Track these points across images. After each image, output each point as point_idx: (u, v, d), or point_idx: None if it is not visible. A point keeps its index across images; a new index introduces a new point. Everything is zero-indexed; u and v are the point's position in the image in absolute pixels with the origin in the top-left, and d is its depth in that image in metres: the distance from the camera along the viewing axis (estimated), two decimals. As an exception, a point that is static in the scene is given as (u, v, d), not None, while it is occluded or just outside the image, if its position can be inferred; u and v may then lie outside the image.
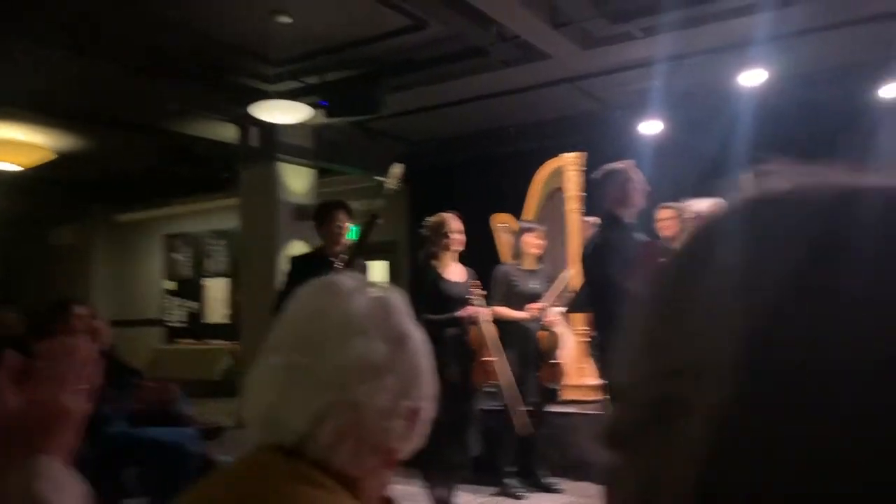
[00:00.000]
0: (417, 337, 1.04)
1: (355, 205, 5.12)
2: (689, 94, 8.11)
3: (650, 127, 8.56)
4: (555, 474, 5.10)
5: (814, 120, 8.09)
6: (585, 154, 5.88)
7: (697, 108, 8.22)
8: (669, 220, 5.26)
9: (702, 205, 4.09)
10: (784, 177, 0.41)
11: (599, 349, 3.55)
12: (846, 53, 7.26)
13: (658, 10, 6.16)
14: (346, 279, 1.07)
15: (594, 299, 3.39)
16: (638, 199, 3.55)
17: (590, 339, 4.97)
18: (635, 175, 3.55)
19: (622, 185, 3.53)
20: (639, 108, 8.25)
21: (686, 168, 9.06)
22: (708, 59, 7.32)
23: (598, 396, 4.28)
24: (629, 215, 3.57)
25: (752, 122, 8.01)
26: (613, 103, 8.54)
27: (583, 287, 3.89)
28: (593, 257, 3.41)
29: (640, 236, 3.62)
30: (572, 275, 5.01)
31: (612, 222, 3.53)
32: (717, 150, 7.76)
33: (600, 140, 7.84)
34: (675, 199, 5.90)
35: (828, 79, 7.76)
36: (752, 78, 7.17)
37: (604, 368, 3.50)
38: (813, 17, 6.37)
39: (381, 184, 4.69)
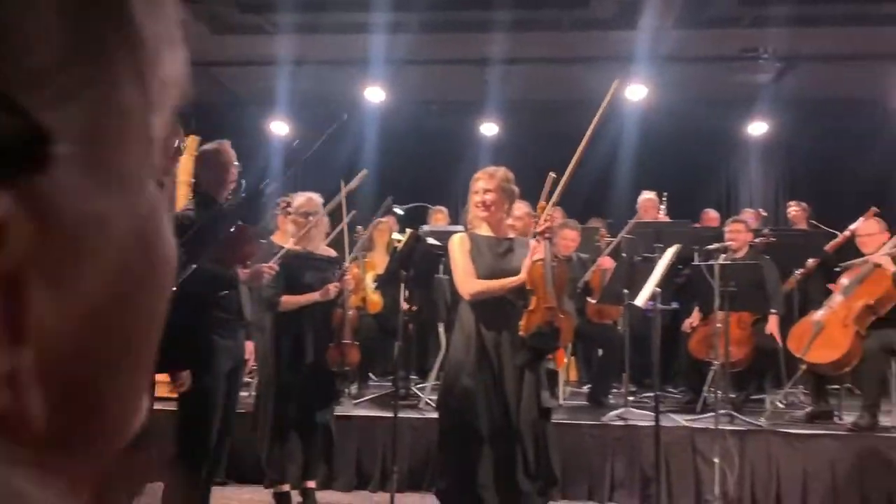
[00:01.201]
0: None
1: None
2: (319, 100, 8.35)
3: (278, 127, 8.63)
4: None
5: (426, 145, 8.95)
6: (199, 139, 5.62)
7: (325, 115, 8.48)
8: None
9: (300, 199, 4.20)
10: None
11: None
12: (454, 88, 8.10)
13: (287, 7, 6.21)
14: None
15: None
16: (228, 179, 3.49)
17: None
18: (229, 156, 3.48)
19: (217, 165, 3.44)
20: (269, 106, 8.26)
21: (308, 169, 9.31)
22: (337, 69, 7.62)
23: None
24: (223, 196, 3.49)
25: (374, 137, 8.56)
26: (244, 96, 8.43)
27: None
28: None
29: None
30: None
31: (206, 203, 3.41)
32: (341, 158, 8.11)
33: (228, 132, 7.64)
34: (286, 194, 5.99)
35: (441, 110, 8.61)
36: (374, 95, 7.62)
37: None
38: (419, 50, 7.00)
39: None
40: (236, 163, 3.52)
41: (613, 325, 5.65)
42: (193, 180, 5.23)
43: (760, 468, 4.48)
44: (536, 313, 4.34)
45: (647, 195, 6.83)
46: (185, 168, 5.71)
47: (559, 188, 3.57)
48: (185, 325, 3.29)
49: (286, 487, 4.04)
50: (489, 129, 8.56)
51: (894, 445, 4.44)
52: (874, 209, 5.59)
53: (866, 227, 5.20)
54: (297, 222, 4.11)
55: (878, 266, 4.87)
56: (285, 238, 5.05)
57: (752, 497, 4.45)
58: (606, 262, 5.67)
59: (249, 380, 5.22)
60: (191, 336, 3.15)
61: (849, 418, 4.80)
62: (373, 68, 7.21)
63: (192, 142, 5.67)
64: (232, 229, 3.41)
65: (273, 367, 3.96)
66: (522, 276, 3.22)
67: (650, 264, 4.67)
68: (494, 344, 3.13)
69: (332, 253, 4.30)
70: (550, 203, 3.56)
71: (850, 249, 5.54)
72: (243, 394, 5.38)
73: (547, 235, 3.76)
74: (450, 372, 3.21)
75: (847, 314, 4.82)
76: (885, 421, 4.75)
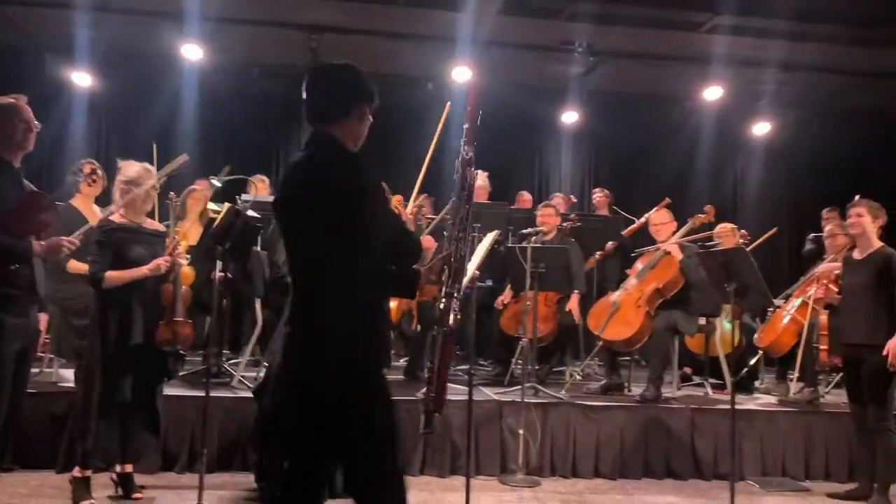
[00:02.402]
0: None
1: None
2: (128, 53, 7.74)
3: (81, 78, 7.91)
4: None
5: (248, 109, 8.58)
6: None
7: (135, 69, 7.89)
8: None
9: (133, 168, 3.84)
10: None
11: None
12: (279, 53, 7.82)
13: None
14: None
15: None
16: (26, 139, 3.13)
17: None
18: (25, 114, 3.12)
19: (7, 123, 3.07)
20: (70, 54, 7.54)
21: (114, 126, 8.66)
22: (149, 21, 7.09)
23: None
24: (18, 159, 3.13)
25: (192, 98, 8.08)
26: (42, 41, 7.62)
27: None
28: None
29: (28, 185, 3.20)
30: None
31: (-1, 166, 3.04)
32: (154, 118, 7.60)
33: (22, 78, 6.91)
34: (97, 156, 5.51)
35: (264, 74, 8.27)
36: (191, 52, 7.18)
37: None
38: (241, 8, 6.69)
39: None
40: (37, 123, 3.17)
41: (432, 302, 5.79)
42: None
43: (560, 438, 4.82)
44: (402, 304, 4.39)
45: (479, 179, 7.01)
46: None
47: (416, 187, 3.66)
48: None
49: (88, 473, 3.78)
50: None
51: (673, 415, 4.96)
52: (667, 200, 6.13)
53: (658, 217, 5.69)
54: (130, 194, 3.77)
55: (667, 253, 5.37)
56: (87, 206, 4.65)
57: (551, 465, 4.78)
58: (427, 242, 5.78)
59: (42, 354, 4.81)
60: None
61: (637, 390, 5.29)
62: (189, 24, 6.78)
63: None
64: (25, 195, 3.09)
65: (98, 347, 3.66)
66: None
67: (470, 244, 4.81)
68: None
69: (161, 227, 4.03)
70: (411, 201, 3.61)
71: (647, 235, 6.06)
72: (34, 370, 4.96)
73: None
74: None
75: (640, 296, 5.28)
76: (666, 392, 5.29)
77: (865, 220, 4.38)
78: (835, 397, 5.59)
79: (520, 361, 5.27)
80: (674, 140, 8.93)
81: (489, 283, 6.61)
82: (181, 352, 4.26)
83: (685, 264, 5.21)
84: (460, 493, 3.88)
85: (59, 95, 7.86)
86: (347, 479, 2.25)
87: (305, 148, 2.29)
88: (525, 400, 4.66)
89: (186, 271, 5.29)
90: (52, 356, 4.92)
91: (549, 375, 5.87)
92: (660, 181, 8.66)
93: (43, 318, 3.63)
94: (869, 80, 8.01)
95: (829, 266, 5.10)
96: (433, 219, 6.21)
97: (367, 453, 2.18)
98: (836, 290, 4.58)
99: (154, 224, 3.99)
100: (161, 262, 3.73)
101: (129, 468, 3.86)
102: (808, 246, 6.94)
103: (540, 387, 5.17)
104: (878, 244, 4.37)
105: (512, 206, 7.27)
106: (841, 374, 5.19)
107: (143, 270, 3.67)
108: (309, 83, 2.30)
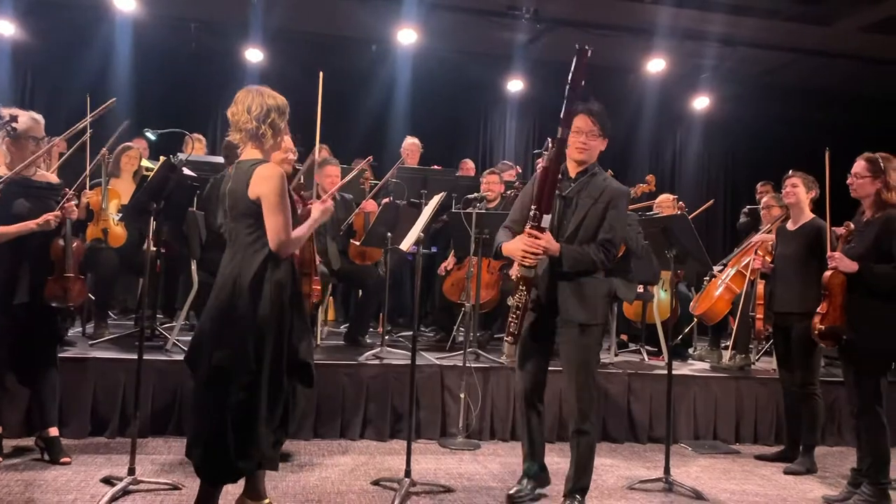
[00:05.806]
0: None
1: None
2: (55, 2, 7.35)
3: (4, 27, 7.48)
4: None
5: (184, 65, 8.27)
6: None
7: (62, 20, 7.50)
8: None
9: (21, 118, 3.61)
10: None
11: None
12: (217, 8, 7.54)
13: None
14: None
15: None
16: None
17: None
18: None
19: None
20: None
21: (40, 79, 8.25)
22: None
23: None
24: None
25: (126, 52, 7.75)
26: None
27: None
28: None
29: None
30: None
31: None
32: (87, 72, 7.27)
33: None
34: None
35: (202, 30, 7.98)
36: (124, 4, 6.85)
37: None
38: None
39: None
40: None
41: (374, 267, 5.72)
42: None
43: (500, 402, 4.84)
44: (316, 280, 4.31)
45: (411, 140, 6.95)
46: None
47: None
48: None
49: None
50: (254, 55, 8.11)
51: (611, 380, 5.03)
52: (609, 173, 6.13)
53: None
54: (19, 146, 3.56)
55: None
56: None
57: (490, 428, 4.81)
58: (370, 206, 5.69)
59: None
60: None
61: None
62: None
63: None
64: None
65: None
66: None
67: (415, 209, 4.76)
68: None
69: (54, 179, 3.80)
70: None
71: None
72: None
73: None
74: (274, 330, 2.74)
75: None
76: (604, 358, 5.35)
77: (800, 190, 4.49)
78: (764, 364, 5.78)
79: (461, 328, 5.25)
80: (617, 111, 8.98)
81: (434, 249, 6.58)
82: (72, 308, 4.10)
83: (626, 232, 5.26)
84: (401, 456, 3.86)
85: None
86: None
87: None
88: (467, 364, 4.66)
89: (117, 231, 5.10)
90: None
91: (490, 341, 5.89)
92: (608, 152, 8.71)
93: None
94: (805, 56, 8.20)
95: (766, 236, 5.23)
96: (376, 183, 6.12)
97: None
98: (770, 260, 4.70)
99: (46, 176, 3.77)
100: (50, 217, 3.53)
101: (53, 432, 3.70)
102: (743, 219, 7.12)
103: (481, 352, 5.17)
104: (810, 215, 4.49)
105: (457, 174, 7.23)
106: (770, 342, 5.36)
107: (30, 225, 3.48)
108: None
